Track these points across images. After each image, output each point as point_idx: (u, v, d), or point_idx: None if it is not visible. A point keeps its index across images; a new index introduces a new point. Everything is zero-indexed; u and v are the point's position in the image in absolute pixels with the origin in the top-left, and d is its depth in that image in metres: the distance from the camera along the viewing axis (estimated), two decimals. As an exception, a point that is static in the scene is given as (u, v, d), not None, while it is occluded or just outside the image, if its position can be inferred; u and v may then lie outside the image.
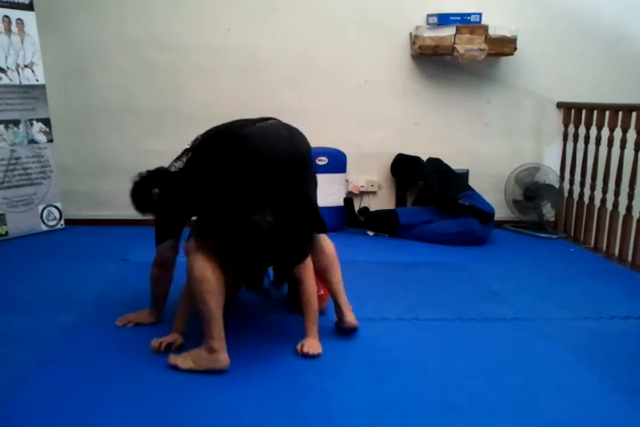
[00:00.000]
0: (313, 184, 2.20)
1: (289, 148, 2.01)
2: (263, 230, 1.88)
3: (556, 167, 4.13)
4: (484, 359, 2.14)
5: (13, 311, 2.50)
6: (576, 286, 2.99)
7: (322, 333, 2.21)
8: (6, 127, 3.62)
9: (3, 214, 3.63)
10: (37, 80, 3.74)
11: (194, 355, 2.00)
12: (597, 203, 3.75)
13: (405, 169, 4.11)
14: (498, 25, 3.83)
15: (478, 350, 2.22)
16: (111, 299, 2.64)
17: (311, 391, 1.91)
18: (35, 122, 3.76)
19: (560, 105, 4.14)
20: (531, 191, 3.97)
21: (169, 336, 2.15)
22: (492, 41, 3.82)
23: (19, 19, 3.62)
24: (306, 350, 2.11)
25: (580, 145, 3.97)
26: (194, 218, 2.20)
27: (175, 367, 1.99)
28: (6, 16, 3.57)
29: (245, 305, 2.56)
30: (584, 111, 3.91)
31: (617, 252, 3.54)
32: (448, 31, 3.81)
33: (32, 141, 3.75)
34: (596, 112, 3.78)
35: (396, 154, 4.12)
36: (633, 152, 3.40)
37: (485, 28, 3.81)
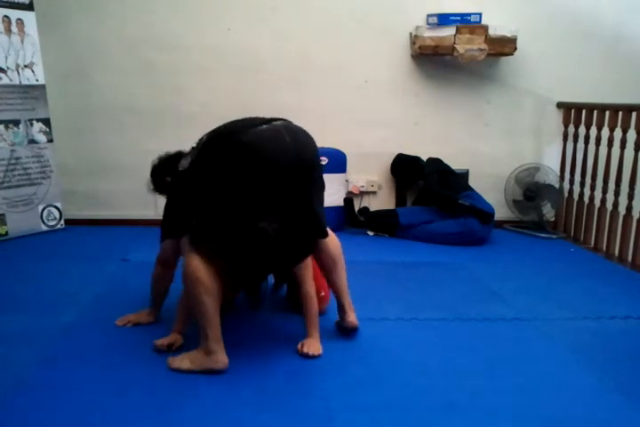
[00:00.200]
0: (318, 189, 2.11)
1: (293, 156, 1.93)
2: (269, 237, 1.87)
3: (556, 167, 4.14)
4: (484, 359, 2.14)
5: (13, 311, 2.50)
6: (576, 286, 2.99)
7: (322, 333, 2.21)
8: (6, 127, 3.62)
9: (3, 214, 3.63)
10: (37, 80, 3.74)
11: (192, 356, 1.99)
12: (597, 203, 3.75)
13: (405, 169, 4.11)
14: (498, 25, 3.83)
15: (478, 350, 2.22)
16: (111, 299, 2.64)
17: (311, 391, 1.91)
18: (35, 122, 3.75)
19: (560, 105, 4.15)
20: (531, 191, 3.97)
21: (169, 337, 2.15)
22: (491, 41, 3.82)
23: (19, 19, 3.62)
24: (306, 350, 2.11)
25: (580, 145, 3.97)
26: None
27: (174, 368, 1.98)
28: (6, 16, 3.57)
29: (245, 305, 2.55)
30: (584, 111, 3.91)
31: (617, 252, 3.54)
32: (448, 31, 3.81)
33: (32, 141, 3.75)
34: (595, 112, 3.78)
35: (396, 154, 4.12)
36: (633, 152, 3.40)
37: (485, 28, 3.81)
